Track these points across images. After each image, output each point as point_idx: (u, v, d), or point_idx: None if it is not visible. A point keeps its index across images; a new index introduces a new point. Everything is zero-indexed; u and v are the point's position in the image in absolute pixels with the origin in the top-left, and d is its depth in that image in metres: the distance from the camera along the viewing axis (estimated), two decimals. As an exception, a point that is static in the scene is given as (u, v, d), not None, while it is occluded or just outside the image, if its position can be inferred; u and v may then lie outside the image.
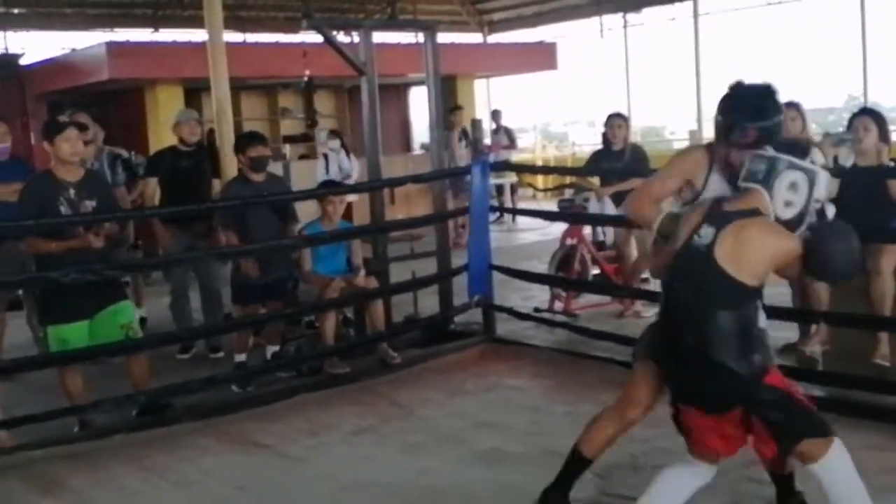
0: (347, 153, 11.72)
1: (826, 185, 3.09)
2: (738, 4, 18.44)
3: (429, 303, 7.09)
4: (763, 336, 3.08)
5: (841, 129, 5.64)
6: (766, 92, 3.23)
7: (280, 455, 4.71)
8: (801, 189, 3.02)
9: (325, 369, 5.97)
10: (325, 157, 11.61)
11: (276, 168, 11.51)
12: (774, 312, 5.77)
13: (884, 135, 5.33)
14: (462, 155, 13.27)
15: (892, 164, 5.46)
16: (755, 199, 3.05)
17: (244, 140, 6.30)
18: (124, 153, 7.61)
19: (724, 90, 3.28)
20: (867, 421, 4.47)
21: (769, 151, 3.07)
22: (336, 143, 11.60)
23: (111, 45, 13.33)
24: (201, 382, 5.44)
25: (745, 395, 3.04)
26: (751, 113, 3.15)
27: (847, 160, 5.22)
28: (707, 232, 3.04)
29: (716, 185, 3.30)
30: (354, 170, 11.33)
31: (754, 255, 2.98)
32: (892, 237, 5.03)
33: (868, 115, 5.41)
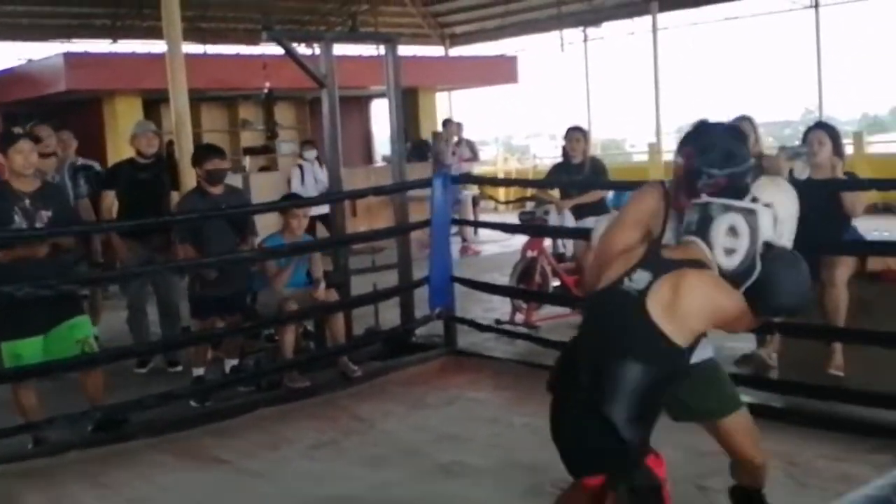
0: (321, 164, 11.60)
1: (771, 223, 2.71)
2: (697, 19, 18.71)
3: (390, 315, 7.07)
4: (656, 415, 2.77)
5: (797, 143, 5.72)
6: (735, 134, 2.93)
7: (239, 470, 4.66)
8: (742, 232, 2.66)
9: (284, 383, 5.93)
10: (301, 168, 11.47)
11: (235, 180, 11.42)
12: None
13: (838, 149, 5.41)
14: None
15: (845, 178, 5.54)
16: (694, 251, 2.70)
17: (201, 152, 6.25)
18: (96, 165, 7.52)
19: (688, 128, 2.97)
20: (822, 430, 4.53)
21: (703, 198, 2.74)
22: (312, 154, 11.52)
23: (69, 56, 13.19)
24: (158, 397, 5.36)
25: (617, 466, 2.68)
26: (720, 158, 2.78)
27: (802, 174, 5.29)
28: (641, 276, 2.65)
29: (672, 233, 2.92)
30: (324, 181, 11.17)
31: (691, 310, 2.61)
32: (846, 249, 5.11)
33: (822, 129, 5.49)
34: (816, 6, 16.58)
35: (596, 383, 2.63)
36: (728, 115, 5.89)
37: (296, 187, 10.83)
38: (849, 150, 14.28)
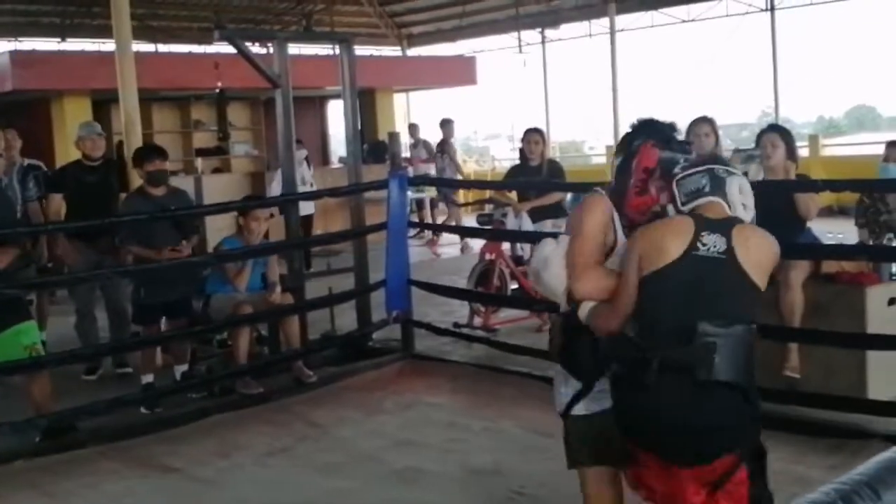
0: (309, 164, 11.39)
1: (749, 189, 2.81)
2: (654, 21, 18.85)
3: (346, 319, 6.99)
4: None
5: (752, 145, 5.73)
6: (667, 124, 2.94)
7: (190, 478, 4.56)
8: (747, 191, 2.75)
9: (237, 389, 5.83)
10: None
11: (187, 182, 11.30)
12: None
13: (791, 152, 5.42)
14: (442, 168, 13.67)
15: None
16: (722, 209, 2.69)
17: (142, 153, 6.13)
18: (43, 166, 7.34)
19: (630, 128, 2.94)
20: (778, 432, 4.52)
21: (695, 167, 2.75)
22: (300, 154, 11.28)
23: (15, 55, 12.92)
24: (108, 404, 5.23)
25: (754, 435, 2.64)
26: (681, 144, 2.87)
27: (756, 176, 5.29)
28: (716, 240, 2.59)
29: (622, 238, 2.86)
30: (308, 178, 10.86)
31: (765, 261, 2.66)
32: (801, 252, 5.12)
33: (775, 131, 5.50)
34: (772, 9, 16.79)
35: (703, 358, 2.52)
36: (687, 117, 5.89)
37: (275, 189, 10.60)
38: (804, 152, 14.47)
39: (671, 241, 2.61)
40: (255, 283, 6.09)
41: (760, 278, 2.63)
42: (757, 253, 2.64)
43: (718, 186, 2.69)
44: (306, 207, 8.99)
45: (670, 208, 2.74)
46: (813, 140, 15.44)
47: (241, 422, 5.35)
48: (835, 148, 18.17)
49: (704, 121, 5.79)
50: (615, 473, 2.89)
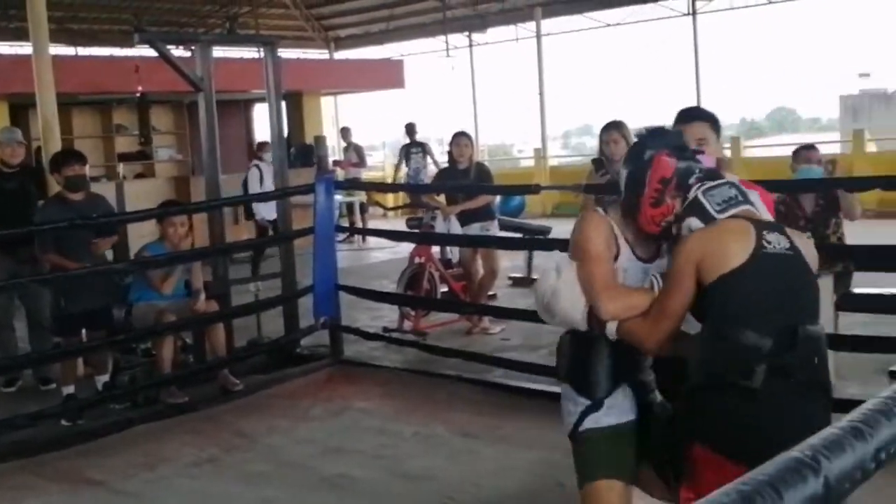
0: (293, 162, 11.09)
1: None
2: (580, 26, 19.06)
3: (274, 326, 6.90)
4: None
5: None
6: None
7: (114, 492, 4.44)
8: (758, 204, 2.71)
9: (162, 399, 5.70)
10: (259, 168, 10.90)
11: (108, 188, 11.06)
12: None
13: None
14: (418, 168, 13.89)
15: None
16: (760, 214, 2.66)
17: (60, 158, 5.98)
18: None
19: (637, 137, 2.87)
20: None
21: (711, 180, 2.68)
22: (270, 155, 10.97)
23: (-72, 59, 12.49)
24: (28, 417, 5.09)
25: None
26: (691, 154, 2.78)
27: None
28: (778, 238, 2.53)
29: (626, 252, 2.80)
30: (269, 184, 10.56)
31: (812, 259, 2.60)
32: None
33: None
34: (694, 13, 17.10)
35: (805, 358, 2.43)
36: (603, 121, 5.95)
37: (254, 188, 10.39)
38: (727, 153, 14.78)
39: (735, 243, 2.50)
40: (178, 290, 5.97)
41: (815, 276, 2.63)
42: (808, 250, 2.60)
43: (746, 196, 2.64)
44: (271, 212, 8.78)
45: (694, 221, 2.62)
46: (735, 142, 15.77)
47: (167, 432, 5.24)
48: (757, 149, 18.59)
49: (614, 126, 5.85)
50: (626, 489, 2.82)
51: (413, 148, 14.34)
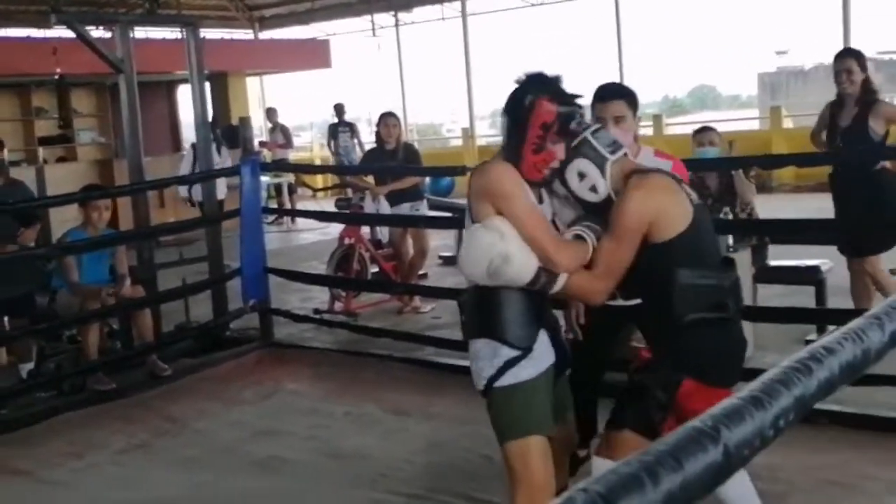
0: (219, 146, 10.80)
1: None
2: (505, 5, 19.11)
3: (202, 310, 6.83)
4: None
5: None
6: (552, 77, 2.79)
7: (41, 481, 4.37)
8: None
9: (89, 386, 5.62)
10: (194, 148, 10.61)
11: (28, 172, 10.79)
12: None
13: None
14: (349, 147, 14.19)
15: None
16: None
17: None
18: None
19: (517, 83, 2.76)
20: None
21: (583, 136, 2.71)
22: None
23: None
24: (-52, 409, 4.97)
25: None
26: (572, 98, 2.75)
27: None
28: (689, 190, 2.83)
29: (547, 200, 2.85)
30: (228, 164, 10.23)
31: None
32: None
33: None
34: (615, -7, 17.27)
35: (738, 284, 2.92)
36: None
37: (186, 171, 10.13)
38: (649, 131, 15.01)
39: (679, 204, 2.71)
40: (103, 275, 5.88)
41: None
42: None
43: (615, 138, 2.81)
44: (219, 191, 8.61)
45: (584, 162, 2.67)
46: (657, 119, 16.02)
47: (94, 419, 5.17)
48: (678, 126, 18.92)
49: None
50: (547, 441, 2.78)
51: (341, 127, 14.47)
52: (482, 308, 2.79)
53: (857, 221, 5.33)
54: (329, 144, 14.76)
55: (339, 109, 14.69)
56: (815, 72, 29.83)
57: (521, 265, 2.63)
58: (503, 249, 2.61)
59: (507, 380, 2.73)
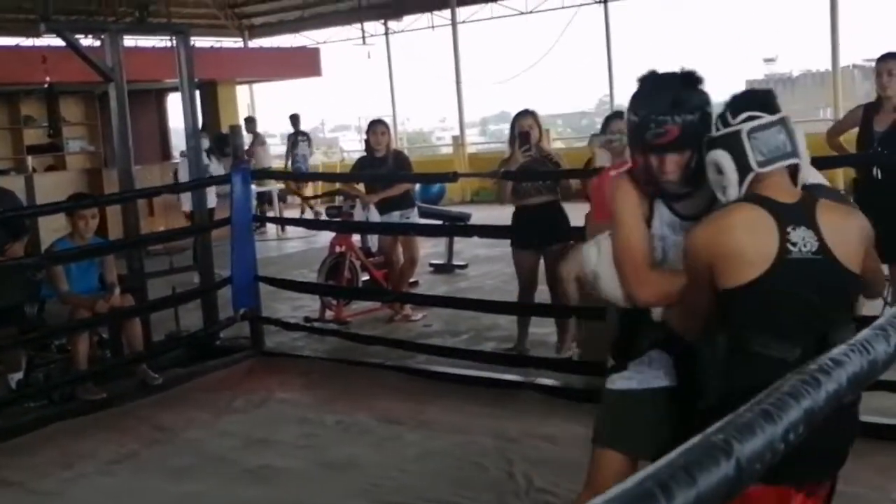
0: (209, 154, 10.66)
1: None
2: (495, 14, 19.14)
3: (193, 319, 6.80)
4: None
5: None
6: (687, 79, 2.46)
7: (31, 492, 4.33)
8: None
9: (78, 395, 5.58)
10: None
11: (17, 181, 10.74)
12: (533, 310, 6.08)
13: None
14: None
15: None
16: (792, 178, 2.31)
17: None
18: None
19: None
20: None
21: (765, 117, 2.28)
22: (203, 143, 10.57)
23: None
24: (-63, 418, 4.93)
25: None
26: (667, 105, 2.43)
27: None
28: (804, 235, 2.19)
29: (662, 216, 2.54)
30: (221, 172, 10.00)
31: (857, 245, 2.27)
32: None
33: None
34: (605, 1, 17.34)
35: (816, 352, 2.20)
36: (519, 108, 6.00)
37: (183, 178, 10.07)
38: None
39: (751, 245, 2.19)
40: (92, 284, 5.84)
41: (858, 266, 2.25)
42: (850, 238, 2.25)
43: (795, 143, 2.26)
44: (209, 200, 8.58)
45: (725, 158, 2.26)
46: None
47: (84, 429, 5.13)
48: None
49: (527, 114, 5.91)
50: (631, 465, 2.58)
51: (300, 136, 15.32)
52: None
53: (887, 228, 5.21)
54: (288, 153, 15.46)
55: (294, 120, 15.46)
56: (803, 79, 30.02)
57: (610, 288, 2.53)
58: (595, 269, 2.56)
59: (607, 384, 2.65)
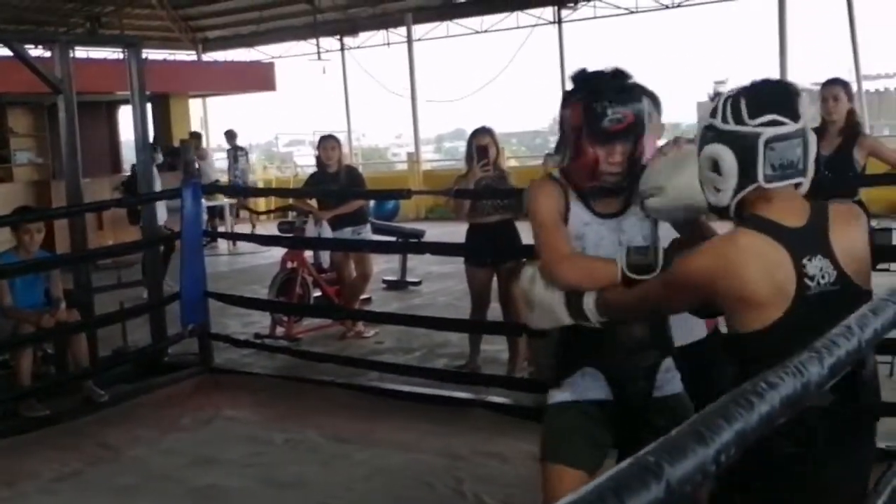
0: (159, 168, 10.59)
1: None
2: (451, 32, 19.24)
3: (141, 335, 6.70)
4: None
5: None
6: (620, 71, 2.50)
7: (-32, 512, 4.24)
8: None
9: (21, 412, 5.45)
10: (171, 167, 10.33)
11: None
12: (485, 327, 6.10)
13: None
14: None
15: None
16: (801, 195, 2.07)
17: None
18: None
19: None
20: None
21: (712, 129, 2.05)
22: (158, 157, 10.39)
23: None
24: None
25: None
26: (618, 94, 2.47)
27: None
28: (821, 265, 1.93)
29: (580, 214, 2.56)
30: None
31: (866, 255, 2.05)
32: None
33: None
34: (559, 22, 17.53)
35: (847, 390, 1.83)
36: (474, 125, 6.03)
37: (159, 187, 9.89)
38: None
39: (766, 285, 1.90)
40: (37, 298, 5.74)
41: (870, 278, 2.05)
42: (860, 250, 2.02)
43: (807, 160, 1.98)
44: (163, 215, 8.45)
45: (727, 153, 1.96)
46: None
47: (26, 447, 5.01)
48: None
49: (484, 131, 5.93)
50: (583, 478, 2.50)
51: (238, 151, 15.57)
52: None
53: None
54: (229, 168, 15.68)
55: (230, 135, 15.69)
56: (753, 102, 30.54)
57: (542, 307, 2.44)
58: (532, 273, 2.49)
59: (556, 397, 2.63)
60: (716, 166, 1.96)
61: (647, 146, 2.50)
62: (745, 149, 1.92)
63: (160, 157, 10.79)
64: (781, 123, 1.92)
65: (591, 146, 2.43)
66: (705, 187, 2.04)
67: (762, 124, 1.91)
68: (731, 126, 1.95)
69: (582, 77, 2.52)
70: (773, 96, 1.96)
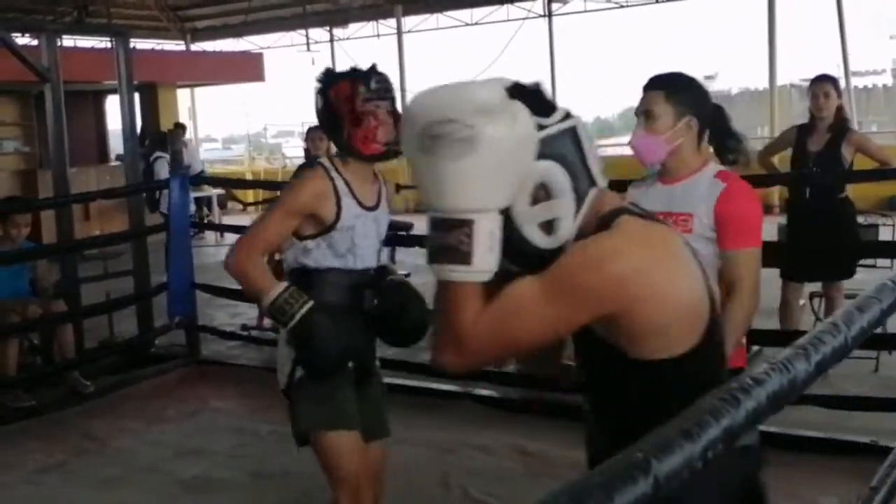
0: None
1: None
2: (441, 24, 19.23)
3: (127, 326, 6.68)
4: None
5: None
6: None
7: (-49, 503, 4.23)
8: None
9: (6, 403, 5.44)
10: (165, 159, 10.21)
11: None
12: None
13: None
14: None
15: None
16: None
17: None
18: None
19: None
20: (555, 421, 4.70)
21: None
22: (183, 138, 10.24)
23: None
24: None
25: None
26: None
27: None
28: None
29: (351, 209, 2.75)
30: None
31: None
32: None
33: None
34: (549, 15, 17.53)
35: None
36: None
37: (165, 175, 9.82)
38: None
39: (692, 290, 1.48)
40: (22, 289, 5.71)
41: None
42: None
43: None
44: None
45: (556, 171, 1.46)
46: (589, 141, 16.24)
47: (10, 438, 5.00)
48: (609, 148, 19.22)
49: None
50: (358, 439, 2.82)
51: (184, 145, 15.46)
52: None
53: (816, 247, 5.35)
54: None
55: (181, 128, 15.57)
56: (741, 97, 30.58)
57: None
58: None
59: (298, 373, 2.89)
60: (544, 189, 1.47)
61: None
62: (567, 150, 1.49)
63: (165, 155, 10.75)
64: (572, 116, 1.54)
65: (368, 107, 2.74)
66: (525, 235, 1.49)
67: (563, 119, 1.51)
68: (544, 132, 1.48)
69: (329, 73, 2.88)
70: (533, 90, 1.52)
